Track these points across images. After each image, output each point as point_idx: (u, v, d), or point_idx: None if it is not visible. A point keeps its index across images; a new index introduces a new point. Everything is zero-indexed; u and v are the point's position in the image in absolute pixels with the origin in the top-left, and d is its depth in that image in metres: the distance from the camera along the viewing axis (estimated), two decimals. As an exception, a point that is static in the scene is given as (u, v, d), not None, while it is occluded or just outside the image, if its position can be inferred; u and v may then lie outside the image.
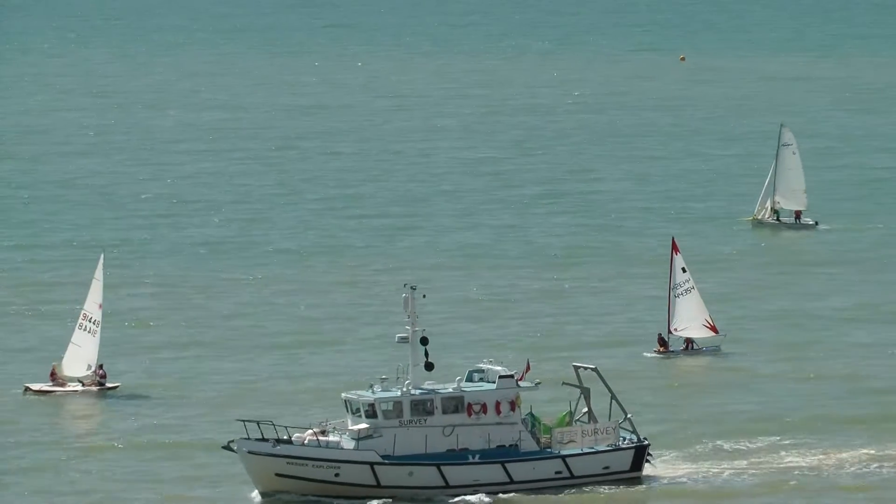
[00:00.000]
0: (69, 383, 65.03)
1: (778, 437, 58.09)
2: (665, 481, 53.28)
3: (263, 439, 51.64)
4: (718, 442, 57.21)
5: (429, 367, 52.87)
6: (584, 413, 54.56)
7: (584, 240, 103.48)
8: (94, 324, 64.98)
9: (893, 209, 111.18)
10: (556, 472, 52.30)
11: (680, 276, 73.51)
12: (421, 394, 51.88)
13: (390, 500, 50.91)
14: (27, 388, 66.43)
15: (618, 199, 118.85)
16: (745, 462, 55.47)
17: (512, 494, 51.78)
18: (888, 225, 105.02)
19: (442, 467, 51.16)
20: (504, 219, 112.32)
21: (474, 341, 73.48)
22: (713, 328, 73.17)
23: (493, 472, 51.73)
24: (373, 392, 52.04)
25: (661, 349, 72.85)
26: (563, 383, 55.19)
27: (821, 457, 55.44)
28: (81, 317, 65.63)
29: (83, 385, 64.86)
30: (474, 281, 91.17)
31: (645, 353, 72.95)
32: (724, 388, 68.45)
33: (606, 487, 52.51)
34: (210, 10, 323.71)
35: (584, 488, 52.34)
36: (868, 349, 72.42)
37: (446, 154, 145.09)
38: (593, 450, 52.69)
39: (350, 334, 77.47)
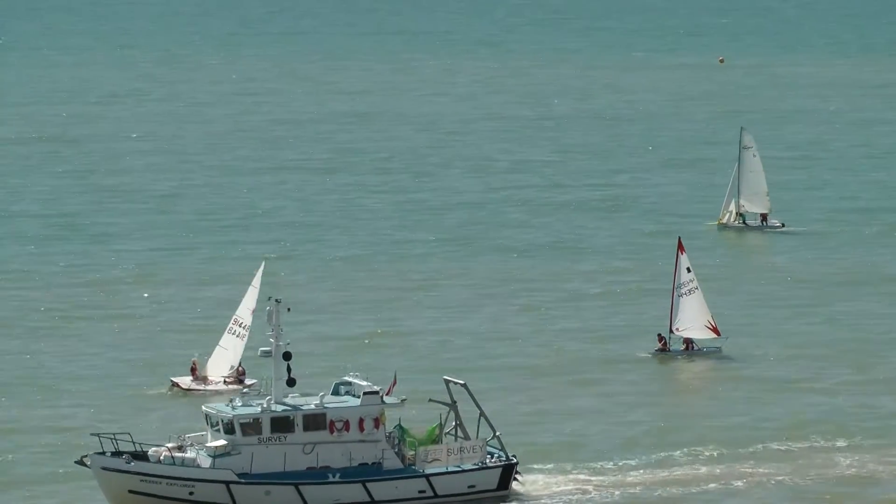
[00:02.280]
0: (211, 379, 64.54)
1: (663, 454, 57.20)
2: (532, 500, 51.70)
3: (118, 454, 49.94)
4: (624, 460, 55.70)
5: (291, 382, 50.72)
6: (455, 426, 53.49)
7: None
8: (243, 328, 64.45)
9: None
10: (420, 492, 50.39)
11: (685, 276, 71.47)
12: (282, 410, 49.85)
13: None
14: (173, 384, 65.01)
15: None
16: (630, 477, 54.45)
17: None
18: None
19: (300, 487, 49.09)
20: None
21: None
22: (715, 329, 71.39)
23: (354, 492, 49.82)
24: (233, 407, 50.03)
25: (661, 347, 70.85)
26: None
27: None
28: (232, 321, 64.77)
29: (225, 382, 64.05)
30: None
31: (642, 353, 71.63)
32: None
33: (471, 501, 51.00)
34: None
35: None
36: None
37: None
38: (459, 468, 50.93)
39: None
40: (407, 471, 50.38)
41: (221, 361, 65.29)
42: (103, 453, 49.07)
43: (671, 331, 71.32)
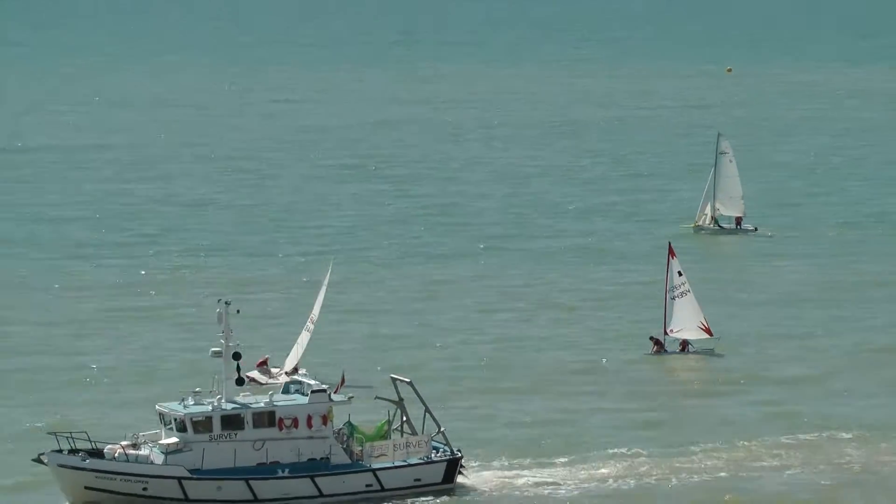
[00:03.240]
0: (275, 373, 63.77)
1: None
2: (476, 493, 53.14)
3: (75, 451, 51.56)
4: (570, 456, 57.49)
5: (240, 381, 52.28)
6: (402, 423, 55.10)
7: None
8: (312, 324, 65.05)
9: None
10: (367, 485, 51.76)
11: (676, 280, 73.54)
12: (232, 408, 51.33)
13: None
14: (250, 379, 65.93)
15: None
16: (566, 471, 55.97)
17: None
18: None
19: (251, 481, 50.58)
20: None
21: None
22: (707, 330, 73.23)
23: (303, 486, 51.27)
24: (184, 405, 51.61)
25: (656, 349, 72.58)
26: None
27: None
28: (309, 320, 65.89)
29: (287, 374, 63.16)
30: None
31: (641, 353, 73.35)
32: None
33: (418, 500, 52.08)
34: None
35: (395, 501, 51.98)
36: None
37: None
38: (405, 463, 52.38)
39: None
40: (354, 466, 51.87)
41: (293, 357, 65.64)
42: (60, 451, 51.05)
43: (665, 333, 72.85)
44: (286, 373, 64.28)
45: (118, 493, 50.66)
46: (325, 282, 63.79)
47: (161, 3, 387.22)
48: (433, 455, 52.68)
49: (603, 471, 55.59)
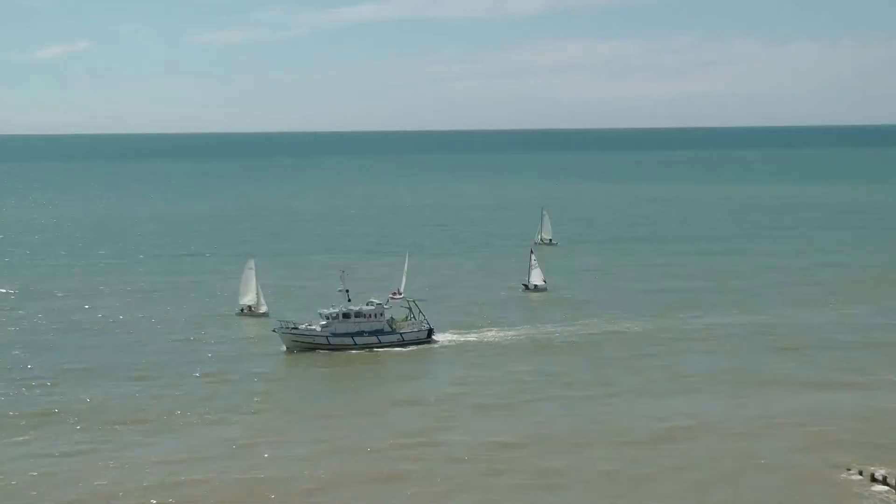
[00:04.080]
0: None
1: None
2: (442, 343, 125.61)
3: (287, 327, 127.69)
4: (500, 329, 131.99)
5: (349, 299, 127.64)
6: (412, 315, 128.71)
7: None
8: (402, 288, 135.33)
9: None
10: (398, 340, 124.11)
11: (533, 261, 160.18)
12: (346, 310, 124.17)
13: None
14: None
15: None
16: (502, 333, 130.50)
17: (385, 350, 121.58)
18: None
19: (355, 337, 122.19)
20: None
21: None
22: (544, 281, 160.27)
23: (372, 340, 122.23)
24: (329, 309, 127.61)
25: (524, 289, 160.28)
26: (408, 301, 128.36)
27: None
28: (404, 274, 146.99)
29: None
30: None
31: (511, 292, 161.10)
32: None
33: (418, 345, 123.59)
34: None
35: (410, 346, 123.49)
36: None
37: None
38: (413, 331, 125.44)
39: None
40: (392, 332, 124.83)
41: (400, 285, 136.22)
42: (281, 327, 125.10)
43: (527, 281, 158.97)
44: (393, 294, 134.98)
45: (305, 342, 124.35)
46: (405, 266, 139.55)
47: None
48: (422, 328, 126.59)
49: (509, 333, 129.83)
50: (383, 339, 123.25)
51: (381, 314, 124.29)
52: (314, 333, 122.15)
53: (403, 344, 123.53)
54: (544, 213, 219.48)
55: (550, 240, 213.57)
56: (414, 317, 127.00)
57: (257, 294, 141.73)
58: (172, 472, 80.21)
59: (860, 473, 77.03)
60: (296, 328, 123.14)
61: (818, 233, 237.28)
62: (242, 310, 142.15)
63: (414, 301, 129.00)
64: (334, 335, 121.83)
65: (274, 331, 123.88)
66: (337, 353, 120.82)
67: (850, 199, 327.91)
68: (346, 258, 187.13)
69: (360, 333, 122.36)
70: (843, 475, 77.69)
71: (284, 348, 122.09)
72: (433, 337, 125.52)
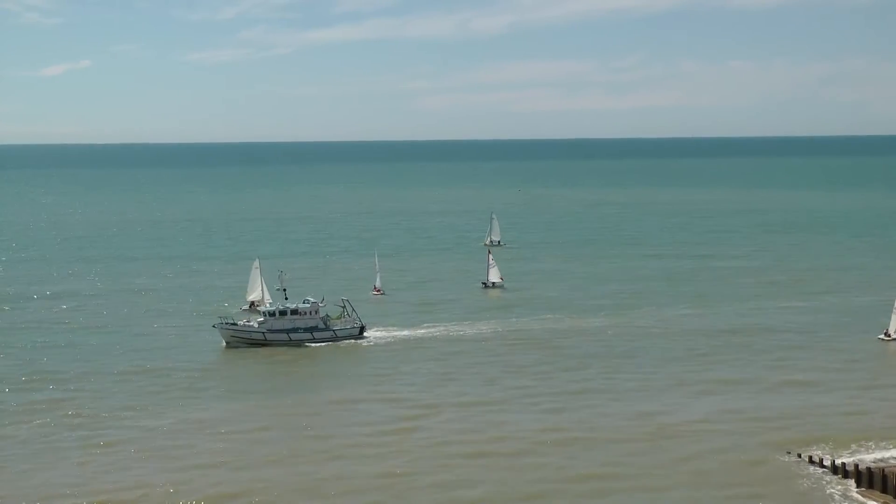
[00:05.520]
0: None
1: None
2: (372, 340, 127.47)
3: (226, 323, 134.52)
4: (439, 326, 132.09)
5: (285, 297, 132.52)
6: (345, 313, 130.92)
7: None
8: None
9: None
10: (330, 336, 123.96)
11: (491, 261, 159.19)
12: (282, 307, 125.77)
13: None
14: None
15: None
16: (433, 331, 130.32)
17: (324, 345, 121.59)
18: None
19: (290, 333, 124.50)
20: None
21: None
22: (502, 279, 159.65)
23: (307, 336, 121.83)
24: (266, 306, 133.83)
25: (483, 285, 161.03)
26: (342, 299, 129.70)
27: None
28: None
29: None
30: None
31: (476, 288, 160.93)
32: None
33: (350, 341, 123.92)
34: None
35: (342, 342, 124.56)
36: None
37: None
38: (346, 328, 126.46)
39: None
40: (326, 328, 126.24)
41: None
42: (221, 323, 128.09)
43: (486, 281, 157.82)
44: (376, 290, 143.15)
45: (243, 339, 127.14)
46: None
47: None
48: (355, 325, 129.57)
49: (446, 326, 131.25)
50: (317, 335, 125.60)
51: (316, 312, 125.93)
52: (251, 330, 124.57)
53: (336, 340, 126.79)
54: (493, 217, 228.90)
55: (499, 241, 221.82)
56: (348, 314, 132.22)
57: (262, 290, 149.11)
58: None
59: (798, 456, 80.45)
60: (234, 324, 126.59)
61: (762, 236, 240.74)
62: (250, 305, 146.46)
63: (347, 300, 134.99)
64: (270, 331, 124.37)
65: (214, 326, 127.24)
66: (271, 347, 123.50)
67: (788, 203, 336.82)
68: (325, 258, 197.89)
69: (296, 330, 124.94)
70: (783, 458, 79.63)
71: (224, 343, 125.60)
72: (364, 334, 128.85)
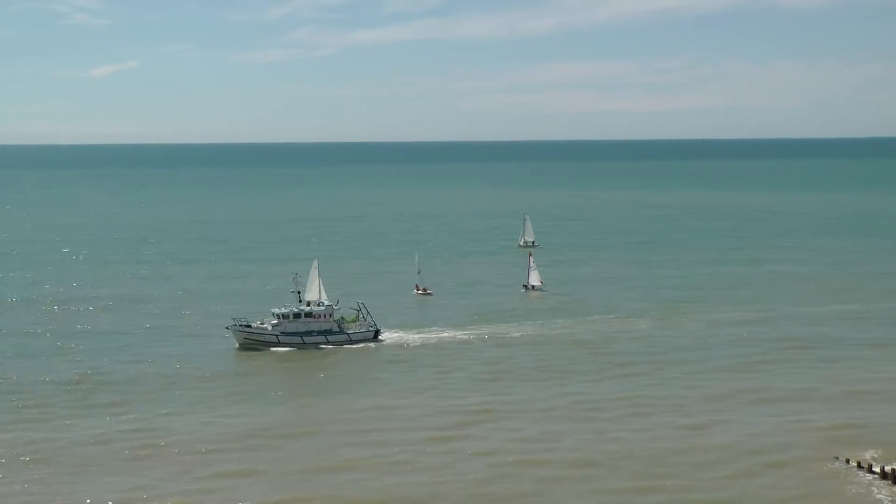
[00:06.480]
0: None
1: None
2: (386, 342, 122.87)
3: (240, 325, 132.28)
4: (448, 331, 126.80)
5: (300, 300, 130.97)
6: (361, 315, 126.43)
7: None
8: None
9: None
10: (345, 339, 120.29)
11: (532, 264, 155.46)
12: (297, 310, 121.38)
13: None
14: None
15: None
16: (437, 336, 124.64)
17: (333, 347, 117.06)
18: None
19: (304, 336, 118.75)
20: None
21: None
22: (542, 282, 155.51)
23: (321, 339, 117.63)
24: (280, 309, 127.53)
25: (524, 289, 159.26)
26: (357, 302, 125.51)
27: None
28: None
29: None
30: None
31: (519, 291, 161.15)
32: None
33: (365, 343, 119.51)
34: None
35: (358, 344, 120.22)
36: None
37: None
38: (360, 331, 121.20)
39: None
40: (341, 332, 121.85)
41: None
42: (234, 325, 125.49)
43: (526, 284, 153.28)
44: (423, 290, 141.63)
45: (256, 340, 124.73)
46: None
47: None
48: (370, 328, 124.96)
49: (447, 334, 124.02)
50: (331, 338, 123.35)
51: (331, 315, 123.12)
52: (265, 332, 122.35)
53: (350, 343, 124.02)
54: (526, 217, 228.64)
55: (533, 242, 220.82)
56: (363, 318, 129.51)
57: (319, 291, 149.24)
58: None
59: (847, 462, 78.91)
60: (248, 326, 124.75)
61: (816, 239, 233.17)
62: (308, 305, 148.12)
63: (363, 303, 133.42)
64: (284, 334, 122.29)
65: (227, 328, 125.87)
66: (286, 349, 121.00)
67: (840, 206, 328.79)
68: (368, 260, 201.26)
69: (310, 333, 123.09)
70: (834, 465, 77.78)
71: (237, 345, 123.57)
72: (379, 337, 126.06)
